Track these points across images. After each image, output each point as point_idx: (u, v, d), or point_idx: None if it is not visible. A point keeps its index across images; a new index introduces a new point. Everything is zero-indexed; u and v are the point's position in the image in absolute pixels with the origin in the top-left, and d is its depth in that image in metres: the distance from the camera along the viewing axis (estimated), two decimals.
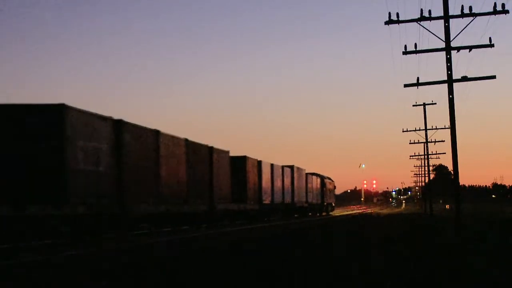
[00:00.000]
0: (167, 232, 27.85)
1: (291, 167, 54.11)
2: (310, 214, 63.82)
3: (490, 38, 25.31)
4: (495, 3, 24.52)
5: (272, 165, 47.04)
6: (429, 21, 25.42)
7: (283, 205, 50.35)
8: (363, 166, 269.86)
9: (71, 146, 20.08)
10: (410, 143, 58.45)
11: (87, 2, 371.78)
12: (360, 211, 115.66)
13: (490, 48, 25.24)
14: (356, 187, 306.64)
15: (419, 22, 25.51)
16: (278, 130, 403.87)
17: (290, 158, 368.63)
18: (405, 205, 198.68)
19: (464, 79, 25.92)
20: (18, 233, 19.51)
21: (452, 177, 26.26)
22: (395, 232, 25.40)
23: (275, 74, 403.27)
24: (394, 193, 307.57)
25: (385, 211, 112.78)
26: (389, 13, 25.57)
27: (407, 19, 25.62)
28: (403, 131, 55.01)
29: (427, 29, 25.50)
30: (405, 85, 27.14)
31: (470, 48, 25.34)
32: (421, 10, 25.33)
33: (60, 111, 19.85)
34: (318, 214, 68.57)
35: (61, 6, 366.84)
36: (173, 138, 28.35)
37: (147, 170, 25.53)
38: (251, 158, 41.58)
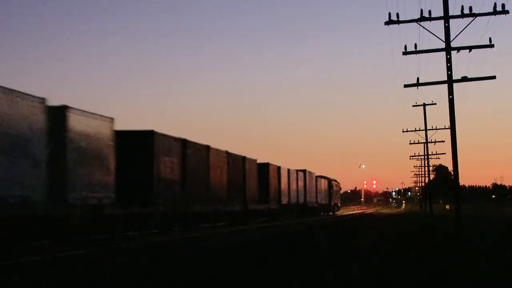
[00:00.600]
0: (221, 226, 36.65)
1: (304, 171, 60.70)
2: (322, 213, 71.25)
3: (490, 39, 25.33)
4: (495, 4, 24.53)
5: (288, 170, 53.95)
6: (429, 22, 25.44)
7: (298, 205, 57.42)
8: (363, 166, 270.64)
9: (157, 160, 28.03)
10: (410, 144, 58.36)
11: (88, 2, 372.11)
12: (361, 211, 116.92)
13: (490, 48, 25.25)
14: (356, 187, 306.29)
15: (419, 22, 25.52)
16: (278, 130, 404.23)
17: (290, 158, 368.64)
18: (405, 206, 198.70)
19: (464, 79, 25.93)
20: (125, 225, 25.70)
21: (452, 178, 26.27)
22: (403, 229, 29.32)
23: (275, 74, 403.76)
24: (394, 193, 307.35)
25: (386, 211, 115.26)
26: (389, 13, 25.59)
27: (407, 19, 25.64)
28: (403, 132, 55.00)
29: (427, 30, 25.53)
30: (405, 85, 27.15)
31: (470, 48, 25.34)
32: (421, 10, 25.36)
33: (151, 135, 27.83)
34: (325, 214, 74.45)
35: (62, 6, 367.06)
36: (217, 151, 36.42)
37: (201, 177, 33.48)
38: (272, 164, 48.66)
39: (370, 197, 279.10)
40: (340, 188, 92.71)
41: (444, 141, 58.49)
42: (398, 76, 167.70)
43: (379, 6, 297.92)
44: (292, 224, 40.89)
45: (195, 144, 32.58)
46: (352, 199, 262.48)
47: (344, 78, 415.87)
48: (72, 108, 21.86)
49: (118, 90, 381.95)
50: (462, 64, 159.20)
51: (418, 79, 26.83)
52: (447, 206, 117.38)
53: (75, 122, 21.94)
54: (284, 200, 52.38)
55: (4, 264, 14.65)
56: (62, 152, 21.15)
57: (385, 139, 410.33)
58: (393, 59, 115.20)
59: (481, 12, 24.90)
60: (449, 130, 25.83)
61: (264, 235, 27.03)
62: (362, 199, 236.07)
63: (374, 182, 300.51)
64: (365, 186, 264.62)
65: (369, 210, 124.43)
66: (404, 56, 26.12)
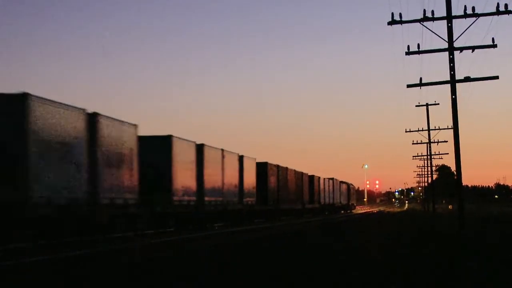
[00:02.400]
0: (291, 218, 54.72)
1: (332, 179, 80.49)
2: (342, 211, 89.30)
3: (493, 39, 25.36)
4: (498, 4, 24.56)
5: (325, 178, 74.86)
6: (432, 22, 25.46)
7: (329, 205, 77.25)
8: (366, 166, 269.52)
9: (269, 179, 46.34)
10: (413, 144, 58.31)
11: (91, 2, 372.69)
12: (370, 210, 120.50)
13: (493, 48, 25.28)
14: (359, 187, 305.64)
15: (422, 22, 25.54)
16: (280, 130, 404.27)
17: (292, 158, 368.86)
18: (408, 205, 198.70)
19: (467, 79, 25.94)
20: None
21: (455, 178, 26.27)
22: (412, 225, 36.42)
23: (277, 74, 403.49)
24: (397, 193, 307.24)
25: (391, 210, 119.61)
26: (392, 14, 25.61)
27: (410, 19, 25.67)
28: (406, 132, 55.01)
29: (430, 30, 25.55)
30: (408, 86, 27.18)
31: (473, 48, 25.36)
32: (424, 10, 25.36)
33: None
34: (345, 212, 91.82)
35: (62, 7, 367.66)
36: (292, 170, 56.58)
37: (284, 187, 52.92)
38: (316, 176, 69.04)
39: (373, 197, 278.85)
40: (355, 190, 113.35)
41: (447, 141, 58.51)
42: (401, 76, 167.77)
43: (382, 6, 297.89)
44: (331, 218, 59.18)
45: (283, 167, 52.56)
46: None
47: (346, 78, 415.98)
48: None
49: (119, 90, 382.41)
50: (465, 64, 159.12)
51: (421, 79, 26.86)
52: (450, 206, 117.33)
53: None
54: (322, 201, 72.17)
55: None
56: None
57: (388, 139, 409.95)
58: (396, 59, 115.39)
59: (484, 12, 24.94)
60: (452, 130, 25.86)
61: (327, 221, 48.35)
62: (365, 199, 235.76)
63: (377, 182, 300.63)
64: (368, 186, 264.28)
65: (375, 210, 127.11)
66: (407, 56, 26.17)
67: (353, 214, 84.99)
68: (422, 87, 27.10)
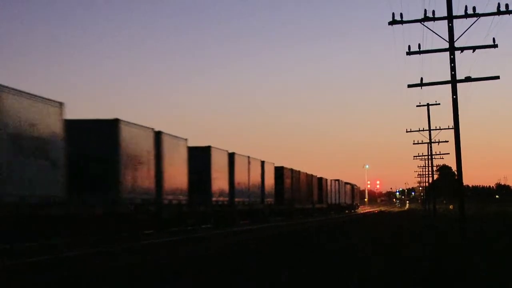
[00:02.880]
0: (301, 218, 58.36)
1: (338, 180, 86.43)
2: (346, 211, 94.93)
3: (493, 39, 25.30)
4: (498, 4, 24.52)
5: (331, 180, 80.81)
6: (432, 22, 25.42)
7: (335, 204, 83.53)
8: (367, 166, 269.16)
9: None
10: (413, 144, 58.19)
11: (89, 2, 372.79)
12: (371, 210, 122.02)
13: (493, 48, 25.23)
14: (359, 187, 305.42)
15: (422, 22, 25.51)
16: (281, 131, 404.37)
17: (293, 158, 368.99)
18: (409, 205, 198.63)
19: (468, 79, 25.91)
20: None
21: (456, 178, 26.28)
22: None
23: (278, 74, 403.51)
24: (397, 193, 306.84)
25: (392, 209, 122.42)
26: (393, 14, 25.58)
27: (410, 19, 25.62)
28: (406, 132, 54.91)
29: (430, 30, 25.52)
30: (409, 86, 27.15)
31: (473, 48, 25.33)
32: (425, 10, 25.33)
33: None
34: (349, 211, 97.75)
35: (61, 6, 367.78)
36: (304, 173, 62.78)
37: (297, 189, 58.62)
38: (324, 178, 75.19)
39: (373, 197, 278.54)
40: (360, 191, 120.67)
41: (447, 141, 58.45)
42: (402, 76, 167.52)
43: (383, 6, 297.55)
44: (339, 217, 68.03)
45: (296, 171, 58.64)
46: None
47: (347, 78, 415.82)
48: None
49: (120, 91, 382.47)
50: (466, 64, 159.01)
51: (421, 79, 26.84)
52: (451, 206, 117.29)
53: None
54: (329, 201, 78.47)
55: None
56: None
57: (388, 139, 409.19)
58: (396, 59, 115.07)
59: (484, 12, 24.88)
60: (452, 130, 25.83)
61: (339, 220, 54.12)
62: (366, 199, 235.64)
63: (378, 182, 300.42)
64: (368, 186, 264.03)
65: (377, 209, 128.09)
66: (408, 56, 26.12)
67: (357, 213, 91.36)
68: (423, 87, 27.06)
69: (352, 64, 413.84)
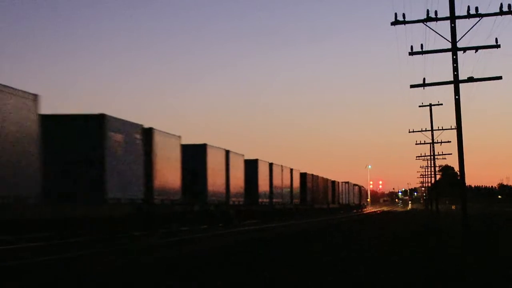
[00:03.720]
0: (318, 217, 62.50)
1: (347, 182, 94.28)
2: (354, 210, 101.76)
3: (496, 39, 25.37)
4: (501, 4, 24.55)
5: (342, 182, 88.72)
6: (435, 22, 25.48)
7: (345, 204, 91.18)
8: (369, 166, 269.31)
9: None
10: (416, 144, 58.27)
11: (90, 2, 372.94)
12: (376, 210, 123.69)
13: (496, 48, 25.29)
14: (366, 188, 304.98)
15: (425, 23, 25.56)
16: (283, 131, 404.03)
17: (294, 158, 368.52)
18: (411, 206, 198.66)
19: (470, 79, 25.95)
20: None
21: (459, 178, 26.30)
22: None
23: (281, 75, 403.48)
24: (400, 193, 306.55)
25: (395, 209, 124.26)
26: (396, 14, 25.65)
27: (413, 19, 25.69)
28: (409, 132, 55.03)
29: (433, 30, 25.57)
30: (412, 86, 27.19)
31: (476, 48, 25.37)
32: (427, 11, 25.40)
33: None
34: (357, 211, 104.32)
35: (62, 7, 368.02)
36: (321, 177, 70.93)
37: (316, 191, 67.14)
38: (337, 181, 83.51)
39: (376, 197, 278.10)
40: (367, 192, 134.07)
41: (450, 142, 58.52)
42: (404, 77, 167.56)
43: (385, 7, 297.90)
44: (351, 215, 74.88)
45: (315, 175, 66.70)
46: None
47: (349, 78, 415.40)
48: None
49: (120, 90, 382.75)
50: (468, 64, 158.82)
51: (424, 79, 26.89)
52: (453, 206, 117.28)
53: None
54: (341, 201, 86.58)
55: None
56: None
57: (391, 139, 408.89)
58: (399, 59, 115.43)
59: (487, 12, 24.94)
60: (455, 131, 25.88)
61: (353, 217, 59.71)
62: (368, 199, 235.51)
63: (380, 182, 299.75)
64: (371, 186, 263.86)
65: (380, 209, 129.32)
66: (410, 56, 26.21)
67: (364, 213, 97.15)
68: (425, 88, 27.13)
69: (354, 64, 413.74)
